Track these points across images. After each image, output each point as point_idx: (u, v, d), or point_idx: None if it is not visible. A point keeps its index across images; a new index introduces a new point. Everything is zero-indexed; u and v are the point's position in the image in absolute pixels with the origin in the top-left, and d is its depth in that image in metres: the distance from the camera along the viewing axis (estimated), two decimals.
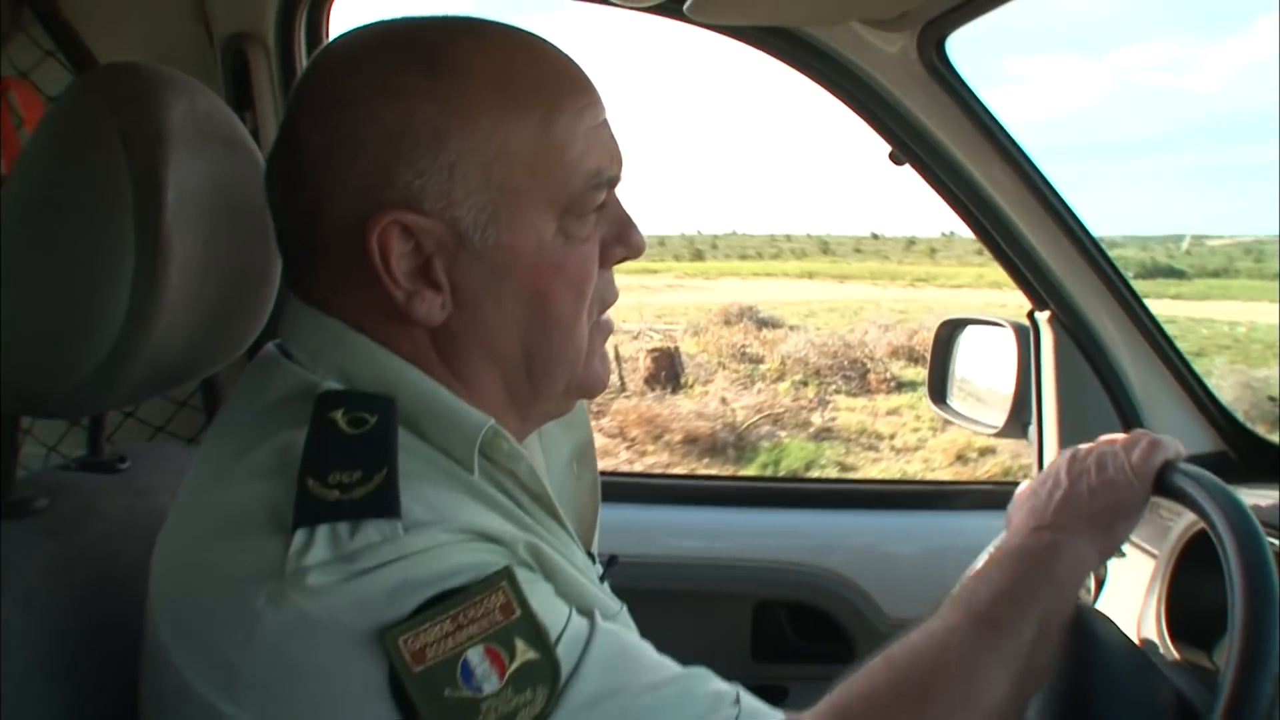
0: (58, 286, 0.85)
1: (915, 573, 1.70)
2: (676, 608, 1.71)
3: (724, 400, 10.95)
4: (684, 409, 10.62)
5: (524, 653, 0.69)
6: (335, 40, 0.87)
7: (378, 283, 0.79)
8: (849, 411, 11.26)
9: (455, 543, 0.72)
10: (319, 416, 0.76)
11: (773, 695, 1.71)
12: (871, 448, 10.27)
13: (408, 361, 0.82)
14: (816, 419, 10.96)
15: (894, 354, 13.17)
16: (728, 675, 1.69)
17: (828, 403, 11.60)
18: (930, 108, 1.56)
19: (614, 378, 11.61)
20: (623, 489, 1.92)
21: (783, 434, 10.45)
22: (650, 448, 9.76)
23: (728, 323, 16.89)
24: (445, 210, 0.79)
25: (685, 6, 1.25)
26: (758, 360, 13.39)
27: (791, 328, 15.92)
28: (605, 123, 0.86)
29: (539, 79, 0.82)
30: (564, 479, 1.04)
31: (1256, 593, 0.89)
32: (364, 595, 0.68)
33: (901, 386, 11.97)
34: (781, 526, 1.79)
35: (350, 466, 0.72)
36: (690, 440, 9.87)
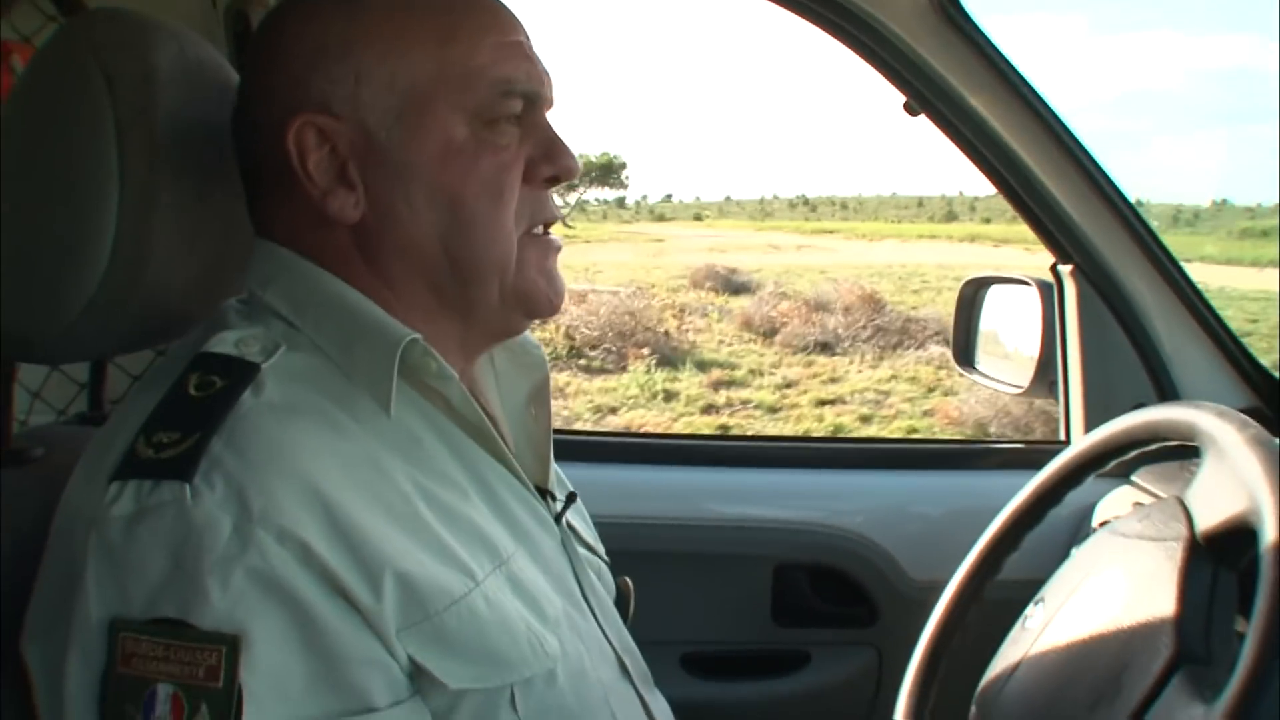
0: (42, 229, 0.86)
1: (939, 533, 1.66)
2: (695, 571, 1.69)
3: None
4: None
5: None
6: None
7: (299, 185, 0.86)
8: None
9: (232, 546, 0.71)
10: (179, 379, 0.80)
11: (794, 660, 1.71)
12: None
13: (339, 276, 0.88)
14: None
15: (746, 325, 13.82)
16: (748, 639, 1.70)
17: None
18: (945, 55, 1.52)
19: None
20: (642, 450, 1.90)
21: None
22: None
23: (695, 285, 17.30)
24: (354, 113, 0.85)
25: None
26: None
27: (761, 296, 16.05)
28: (520, 44, 0.91)
29: (439, 3, 0.89)
30: (521, 419, 1.04)
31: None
32: (132, 578, 0.71)
33: (665, 363, 12.05)
34: (802, 487, 1.76)
35: (173, 428, 0.76)
36: None
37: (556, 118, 0.94)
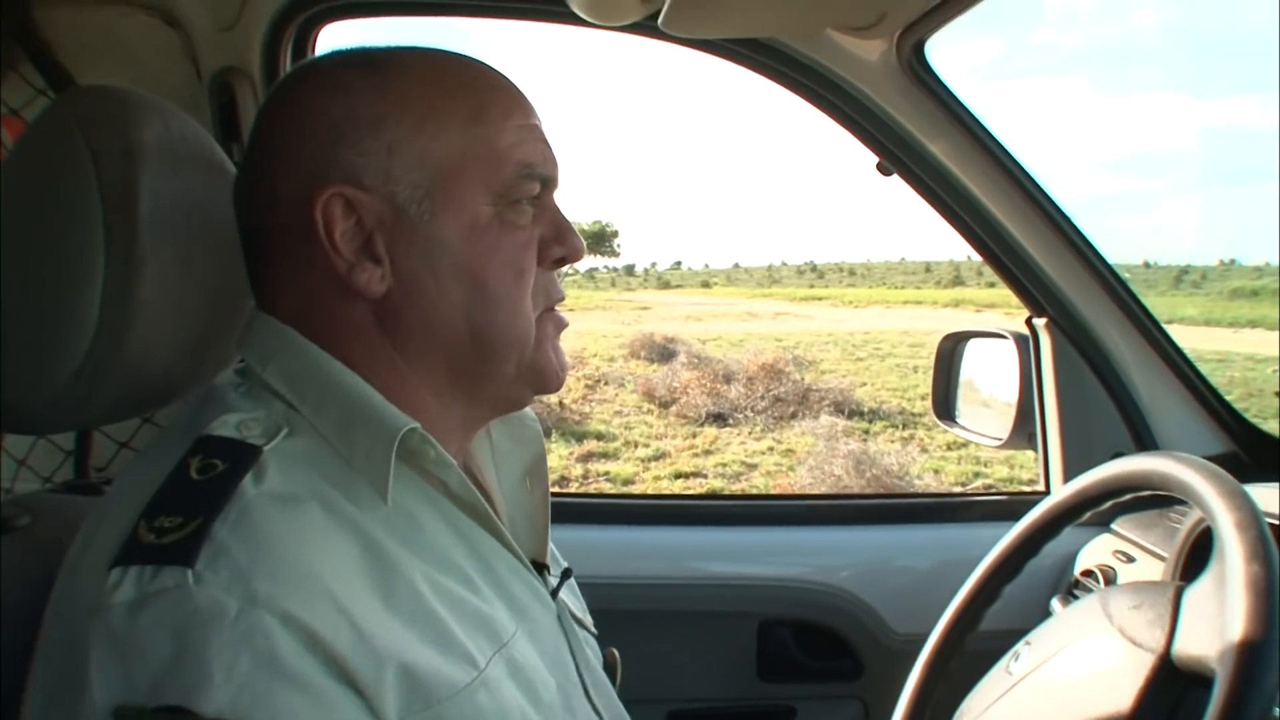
0: (30, 300, 0.86)
1: (923, 586, 1.67)
2: (681, 629, 1.69)
3: None
4: None
5: None
6: (304, 64, 0.95)
7: (322, 257, 0.85)
8: None
9: (237, 630, 0.70)
10: (181, 461, 0.79)
11: (780, 715, 1.71)
12: None
13: (351, 351, 0.87)
14: None
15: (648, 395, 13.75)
16: (734, 695, 1.69)
17: None
18: (915, 115, 1.56)
19: None
20: (625, 511, 1.90)
21: None
22: None
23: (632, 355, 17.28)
24: (384, 186, 0.86)
25: (659, 21, 1.25)
26: None
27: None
28: (537, 127, 0.93)
29: (472, 80, 0.91)
30: (517, 494, 1.05)
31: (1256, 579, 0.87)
32: (136, 666, 0.69)
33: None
34: (787, 544, 1.77)
35: (174, 512, 0.75)
36: None
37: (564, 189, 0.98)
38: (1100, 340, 1.67)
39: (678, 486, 10.27)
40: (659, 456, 11.26)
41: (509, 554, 0.92)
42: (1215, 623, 0.92)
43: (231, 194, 0.99)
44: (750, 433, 12.30)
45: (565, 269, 0.99)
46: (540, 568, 0.99)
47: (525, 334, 0.91)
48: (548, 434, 11.29)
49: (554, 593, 0.99)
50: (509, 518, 1.01)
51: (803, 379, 14.32)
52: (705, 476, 10.55)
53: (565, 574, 1.04)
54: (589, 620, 1.11)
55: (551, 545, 1.09)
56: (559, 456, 11.01)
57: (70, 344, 0.86)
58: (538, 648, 0.91)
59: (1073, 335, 1.68)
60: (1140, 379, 1.68)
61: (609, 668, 1.09)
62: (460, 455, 0.93)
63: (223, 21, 1.54)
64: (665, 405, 13.47)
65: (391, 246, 0.86)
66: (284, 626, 0.71)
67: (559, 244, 0.93)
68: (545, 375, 0.94)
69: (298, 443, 0.82)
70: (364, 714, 0.73)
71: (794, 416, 12.81)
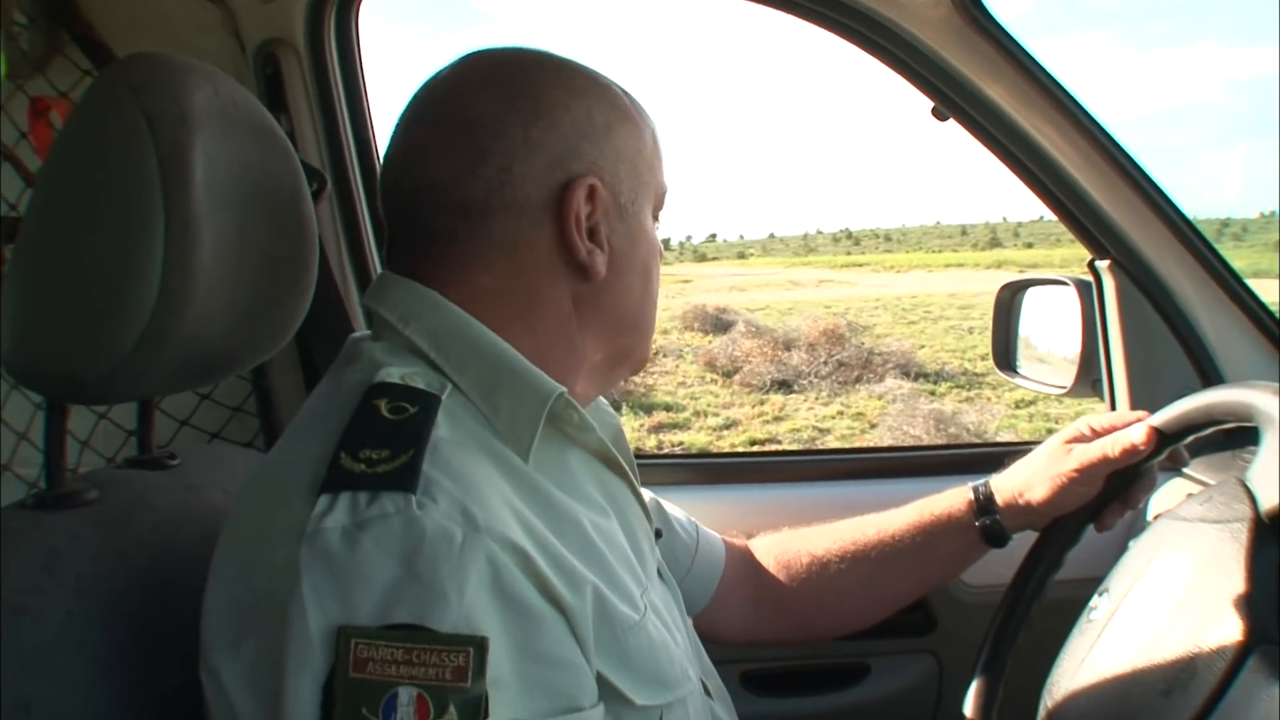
0: (90, 270, 0.86)
1: None
2: None
3: None
4: None
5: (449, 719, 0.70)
6: (489, 50, 0.99)
7: (551, 238, 0.92)
8: None
9: (465, 554, 0.73)
10: (365, 401, 0.82)
11: (854, 672, 1.69)
12: None
13: (537, 324, 0.94)
14: None
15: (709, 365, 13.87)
16: (807, 654, 1.68)
17: None
18: (970, 58, 1.51)
19: None
20: (690, 470, 1.90)
21: None
22: None
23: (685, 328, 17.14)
24: (614, 184, 0.95)
25: None
26: None
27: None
28: None
29: (640, 108, 1.01)
30: None
31: None
32: (358, 586, 0.71)
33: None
34: (854, 498, 1.74)
35: (380, 446, 0.78)
36: None
37: None
38: (1164, 280, 1.62)
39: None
40: (730, 425, 11.38)
41: (635, 500, 1.02)
42: None
43: (281, 160, 1.00)
44: (816, 398, 12.37)
45: None
46: None
47: (653, 327, 1.05)
48: (617, 408, 11.50)
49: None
50: None
51: (862, 344, 14.32)
52: (779, 443, 10.62)
53: (657, 533, 1.13)
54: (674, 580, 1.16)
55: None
56: (632, 429, 11.09)
57: (133, 311, 0.85)
58: (660, 594, 0.98)
59: (1136, 276, 1.63)
60: (1206, 319, 1.63)
61: None
62: None
63: None
64: (728, 374, 13.57)
65: (611, 237, 0.95)
66: (505, 551, 0.75)
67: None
68: (645, 361, 1.07)
69: (454, 399, 0.86)
70: (569, 635, 0.78)
71: (858, 380, 12.87)
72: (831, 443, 10.42)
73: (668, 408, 12.08)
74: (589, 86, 0.96)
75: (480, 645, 0.71)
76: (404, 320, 0.91)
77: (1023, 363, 1.94)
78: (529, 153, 0.91)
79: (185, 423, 1.53)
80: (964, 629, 1.32)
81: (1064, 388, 1.80)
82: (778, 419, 11.53)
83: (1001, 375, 1.99)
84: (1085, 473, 1.18)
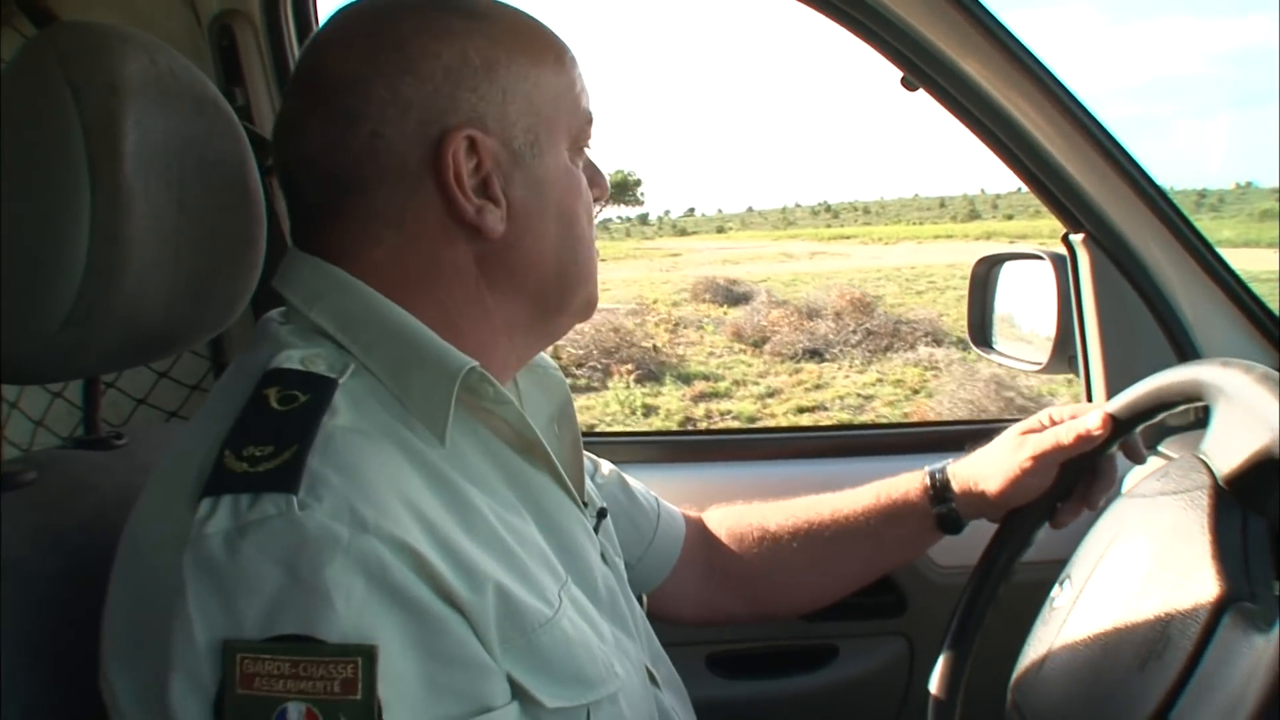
0: (15, 243, 0.84)
1: None
2: None
3: None
4: None
5: None
6: (355, 2, 0.92)
7: (437, 201, 0.86)
8: None
9: (351, 555, 0.69)
10: (256, 392, 0.79)
11: (822, 654, 1.68)
12: None
13: (440, 291, 0.88)
14: None
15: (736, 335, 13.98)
16: (774, 635, 1.66)
17: None
18: (940, 27, 1.48)
19: None
20: (661, 448, 1.89)
21: None
22: None
23: (695, 299, 17.30)
24: (501, 131, 0.87)
25: None
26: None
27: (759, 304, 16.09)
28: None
29: (544, 31, 0.93)
30: (548, 439, 1.04)
31: None
32: (242, 597, 0.68)
33: (647, 378, 12.08)
34: (823, 477, 1.72)
35: (264, 442, 0.74)
36: None
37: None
38: (1140, 255, 1.59)
39: (805, 419, 10.45)
40: (772, 393, 11.50)
41: (560, 491, 0.95)
42: (1247, 430, 0.93)
43: (225, 133, 0.97)
44: (851, 366, 12.51)
45: None
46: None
47: (592, 269, 0.98)
48: (658, 378, 11.93)
49: (595, 530, 1.01)
50: None
51: (887, 312, 14.47)
52: (828, 409, 10.76)
53: (601, 513, 1.07)
54: (622, 563, 1.12)
55: (590, 487, 1.12)
56: (675, 398, 11.26)
57: (60, 287, 0.83)
58: (587, 588, 0.93)
59: (1111, 250, 1.60)
60: (1183, 294, 1.60)
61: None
62: None
63: None
64: (757, 345, 13.70)
65: (507, 188, 0.88)
66: (394, 552, 0.71)
67: (595, 186, 0.99)
68: (593, 304, 1.00)
69: (359, 381, 0.82)
70: (471, 636, 0.74)
71: (888, 349, 13.01)
72: (880, 407, 10.59)
73: (705, 377, 12.14)
74: (466, 25, 0.88)
75: (369, 654, 0.67)
76: (308, 301, 0.87)
77: (999, 339, 1.92)
78: (399, 113, 0.85)
79: (142, 401, 1.51)
80: (935, 610, 1.31)
81: (1040, 364, 1.78)
82: (818, 387, 11.65)
83: (977, 351, 1.97)
84: (1039, 461, 1.17)
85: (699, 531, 1.32)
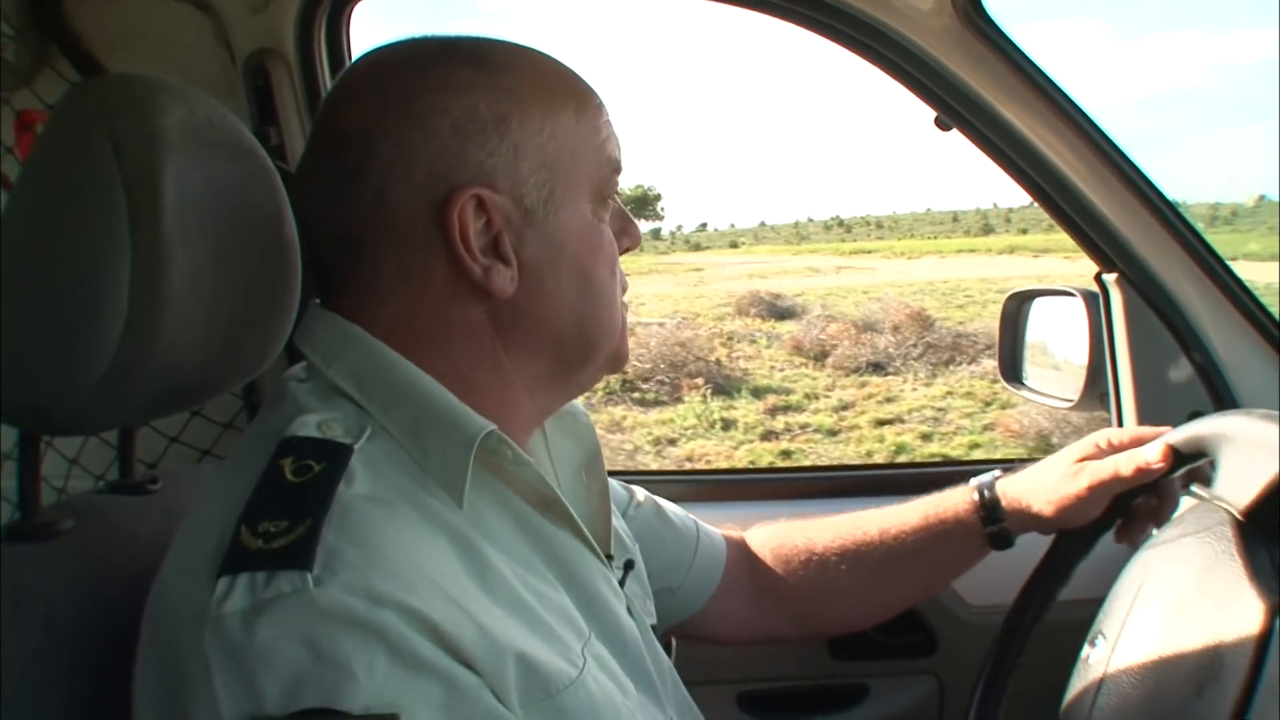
0: (56, 298, 0.84)
1: (998, 556, 1.61)
2: None
3: None
4: None
5: None
6: (374, 50, 0.91)
7: (444, 260, 0.84)
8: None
9: (369, 630, 0.69)
10: (271, 463, 0.77)
11: (853, 693, 1.67)
12: None
13: (453, 351, 0.87)
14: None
15: (796, 349, 13.97)
16: (805, 674, 1.65)
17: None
18: (971, 65, 1.48)
19: None
20: (689, 487, 1.87)
21: None
22: None
23: (739, 313, 17.32)
24: (513, 188, 0.85)
25: None
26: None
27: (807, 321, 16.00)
28: (611, 121, 0.94)
29: (566, 78, 0.91)
30: (574, 489, 1.04)
31: None
32: (262, 675, 0.67)
33: (719, 391, 12.04)
34: None
35: (279, 517, 0.73)
36: None
37: None
38: (1174, 295, 1.58)
39: (888, 432, 10.45)
40: (845, 406, 11.49)
41: (583, 546, 0.92)
42: (1256, 465, 0.96)
43: (261, 181, 0.97)
44: (916, 379, 12.46)
45: None
46: (606, 559, 0.98)
47: (618, 325, 0.95)
48: (728, 391, 11.93)
49: (620, 583, 0.99)
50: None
51: (944, 326, 14.47)
52: (905, 421, 10.74)
53: (628, 565, 1.06)
54: (651, 608, 1.11)
55: (624, 533, 1.11)
56: (751, 412, 11.26)
57: (100, 342, 0.83)
58: (611, 642, 0.90)
59: (1144, 290, 1.59)
60: (1216, 335, 1.58)
61: (665, 651, 1.08)
62: (527, 452, 0.91)
63: (254, 3, 1.50)
64: (818, 358, 13.61)
65: (518, 247, 0.86)
66: (412, 622, 0.70)
67: (626, 235, 0.97)
68: (622, 360, 0.98)
69: (376, 444, 0.81)
70: (494, 700, 0.73)
71: (950, 362, 12.92)
72: (957, 420, 10.59)
73: (774, 390, 12.14)
74: (476, 78, 0.85)
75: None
76: (326, 360, 0.86)
77: (1030, 374, 1.91)
78: (405, 169, 0.83)
79: (175, 439, 1.51)
80: (966, 650, 1.30)
81: (1071, 401, 1.77)
82: (889, 400, 11.64)
83: (1008, 388, 1.96)
84: (1095, 490, 1.14)
85: (741, 552, 1.31)
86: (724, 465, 9.65)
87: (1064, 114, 1.50)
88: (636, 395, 11.79)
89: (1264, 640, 0.88)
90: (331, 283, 0.89)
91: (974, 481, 1.25)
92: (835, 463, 9.50)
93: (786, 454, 9.95)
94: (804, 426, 10.75)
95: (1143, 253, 1.56)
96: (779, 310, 17.70)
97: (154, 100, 0.87)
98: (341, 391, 0.85)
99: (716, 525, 1.33)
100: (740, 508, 1.75)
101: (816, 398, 11.77)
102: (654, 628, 1.09)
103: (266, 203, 0.98)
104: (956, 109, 1.53)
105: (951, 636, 1.65)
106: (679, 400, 11.61)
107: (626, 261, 0.99)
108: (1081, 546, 1.19)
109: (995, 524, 1.22)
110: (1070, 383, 1.78)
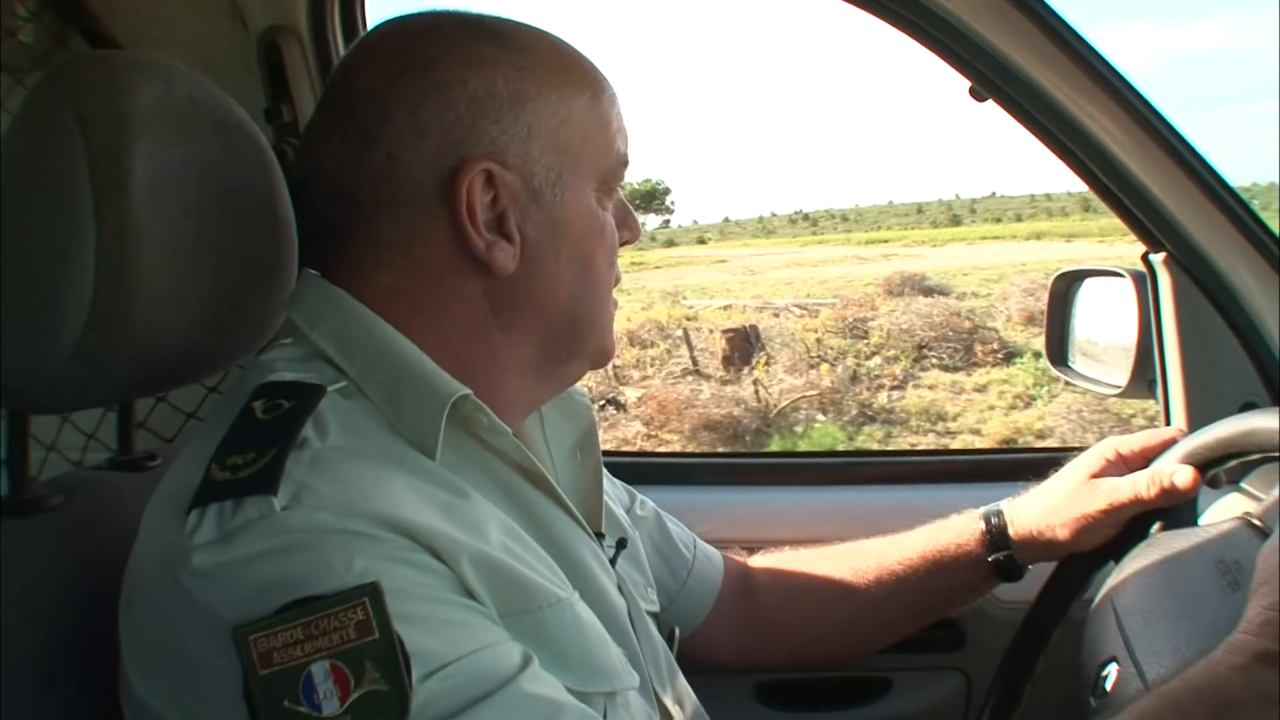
0: (23, 276, 0.84)
1: None
2: None
3: (757, 383, 11.38)
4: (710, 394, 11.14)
5: (371, 680, 0.66)
6: (394, 19, 0.91)
7: (449, 232, 0.84)
8: (929, 389, 11.83)
9: (338, 534, 0.69)
10: (244, 407, 0.79)
11: (876, 686, 1.62)
12: (926, 430, 10.58)
13: (447, 323, 0.87)
14: (881, 399, 11.37)
15: (1029, 320, 13.93)
16: (825, 667, 1.61)
17: (912, 379, 12.17)
18: (1010, 35, 1.40)
19: (687, 358, 12.36)
20: (718, 471, 1.84)
21: (821, 417, 10.83)
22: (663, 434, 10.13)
23: (890, 293, 17.10)
24: (523, 166, 0.85)
25: None
26: (864, 335, 13.81)
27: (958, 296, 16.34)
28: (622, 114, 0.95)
29: (583, 65, 0.92)
30: (568, 466, 1.04)
31: None
32: (237, 585, 0.68)
33: (1011, 357, 12.43)
34: (878, 505, 1.67)
35: (246, 449, 0.74)
36: (707, 427, 10.17)
37: None
38: (1225, 277, 1.48)
39: None
40: None
41: (567, 517, 0.91)
42: None
43: (252, 155, 0.96)
44: None
45: None
46: (597, 537, 0.97)
47: (609, 317, 0.96)
48: (1019, 355, 12.17)
49: (611, 561, 0.98)
50: (562, 490, 0.97)
51: None
52: None
53: (620, 544, 1.02)
54: (653, 595, 1.09)
55: (621, 516, 1.10)
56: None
57: (66, 321, 0.83)
58: (598, 606, 0.89)
59: (1194, 271, 1.50)
60: (1271, 319, 1.49)
61: (668, 642, 1.07)
62: (516, 431, 0.90)
63: None
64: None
65: (523, 226, 0.86)
66: (381, 527, 0.71)
67: (626, 228, 0.97)
68: (608, 354, 0.98)
69: (352, 401, 0.82)
70: (467, 596, 0.74)
71: None
72: None
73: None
74: (497, 54, 0.86)
75: (374, 591, 0.67)
76: (310, 323, 0.86)
77: (1077, 358, 1.83)
78: (417, 138, 0.83)
79: (192, 415, 1.52)
80: (994, 646, 1.24)
81: (1119, 388, 1.69)
82: None
83: (1055, 372, 1.88)
84: (1114, 513, 1.10)
85: (741, 579, 1.29)
86: None
87: (1107, 84, 1.41)
88: (926, 358, 12.54)
89: None
90: (323, 247, 0.90)
91: (981, 509, 1.22)
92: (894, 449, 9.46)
93: None
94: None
95: (1192, 232, 1.47)
96: (927, 289, 17.93)
97: (124, 78, 0.87)
98: (323, 355, 0.85)
99: (735, 509, 1.30)
100: (753, 492, 1.72)
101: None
102: (655, 616, 1.07)
103: (257, 178, 0.97)
104: (992, 79, 1.45)
105: (979, 632, 1.60)
106: (972, 365, 12.21)
107: (640, 257, 0.97)
108: (1099, 560, 1.16)
109: (1002, 552, 1.19)
110: (1118, 368, 1.70)
